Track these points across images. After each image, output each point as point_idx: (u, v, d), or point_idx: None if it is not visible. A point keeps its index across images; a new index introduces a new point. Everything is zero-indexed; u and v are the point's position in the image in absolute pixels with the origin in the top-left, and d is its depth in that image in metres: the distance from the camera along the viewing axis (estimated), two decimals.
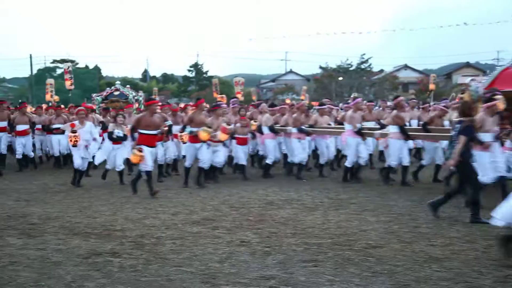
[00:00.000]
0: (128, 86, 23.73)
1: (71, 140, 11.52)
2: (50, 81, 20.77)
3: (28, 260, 5.92)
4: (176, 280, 5.25)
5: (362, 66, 55.31)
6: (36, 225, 7.74)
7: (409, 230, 7.24)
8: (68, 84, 20.25)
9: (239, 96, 20.28)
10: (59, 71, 57.13)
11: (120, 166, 12.15)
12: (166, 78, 79.32)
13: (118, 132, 11.92)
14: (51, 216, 8.36)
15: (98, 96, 20.27)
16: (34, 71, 38.34)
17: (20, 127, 14.97)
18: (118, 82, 21.25)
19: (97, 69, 67.14)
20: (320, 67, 58.25)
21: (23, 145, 14.90)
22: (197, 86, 65.09)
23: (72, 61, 61.20)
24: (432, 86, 25.01)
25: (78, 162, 11.66)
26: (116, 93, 20.05)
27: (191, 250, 6.31)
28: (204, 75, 67.18)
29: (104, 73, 72.68)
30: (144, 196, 10.11)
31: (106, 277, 5.32)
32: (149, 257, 6.01)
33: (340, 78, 52.21)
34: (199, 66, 68.45)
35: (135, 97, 19.89)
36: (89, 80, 47.23)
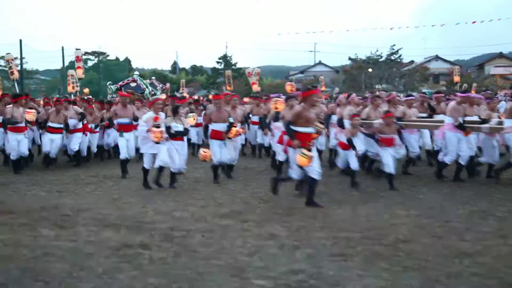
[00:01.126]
0: (153, 78, 23.67)
1: (156, 137, 9.93)
2: (71, 72, 19.85)
3: (61, 251, 6.02)
4: (205, 273, 5.28)
5: (392, 57, 54.60)
6: (68, 216, 7.87)
7: (440, 225, 7.15)
8: (80, 72, 19.59)
9: (255, 87, 19.92)
10: (90, 63, 57.82)
11: (182, 168, 10.62)
12: (195, 70, 79.60)
13: (176, 126, 10.26)
14: (83, 207, 8.48)
15: (113, 85, 19.52)
16: (66, 63, 38.75)
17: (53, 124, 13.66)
18: (136, 73, 20.45)
19: (127, 61, 67.71)
20: (349, 59, 57.71)
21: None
22: (225, 78, 65.19)
23: (103, 53, 61.98)
24: (456, 78, 24.52)
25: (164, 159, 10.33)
26: (133, 84, 19.23)
27: (220, 243, 6.34)
28: (233, 67, 67.15)
29: (134, 65, 73.31)
30: (173, 189, 10.18)
31: (136, 269, 5.38)
32: (178, 250, 6.05)
33: (370, 70, 51.63)
34: (228, 58, 68.43)
35: (152, 92, 18.95)
36: (119, 72, 47.71)
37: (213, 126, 11.05)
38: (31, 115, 12.68)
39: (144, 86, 18.95)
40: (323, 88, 28.29)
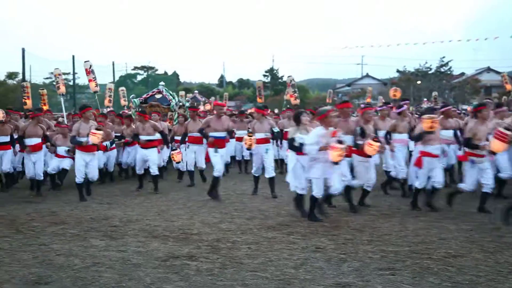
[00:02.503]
0: (196, 91, 23.68)
1: (339, 156, 7.89)
2: (110, 86, 19.93)
3: (110, 261, 6.14)
4: (251, 285, 5.29)
5: (442, 69, 53.73)
6: (117, 227, 8.03)
7: (492, 240, 6.95)
8: (92, 85, 18.97)
9: (291, 99, 19.45)
10: (139, 78, 59.03)
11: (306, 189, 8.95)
12: (242, 83, 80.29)
13: (300, 138, 8.46)
14: (132, 219, 8.63)
15: (136, 98, 18.05)
16: (116, 78, 39.84)
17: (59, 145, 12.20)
18: (162, 83, 18.68)
19: (175, 75, 68.84)
20: (398, 71, 57.13)
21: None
22: (272, 91, 65.40)
23: (151, 68, 63.19)
24: (508, 87, 23.85)
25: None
26: (158, 96, 17.75)
27: (266, 255, 6.34)
28: (280, 80, 67.36)
29: (182, 79, 74.56)
30: (219, 201, 10.26)
31: (183, 280, 5.44)
32: (225, 261, 6.08)
33: (419, 82, 50.92)
34: (275, 71, 68.77)
35: (179, 103, 17.52)
36: (167, 86, 48.46)
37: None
38: (95, 137, 10.39)
39: (171, 97, 17.71)
40: (368, 100, 27.92)
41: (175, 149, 12.39)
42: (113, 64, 37.97)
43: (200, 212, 9.16)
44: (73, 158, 11.53)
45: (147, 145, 11.91)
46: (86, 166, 10.79)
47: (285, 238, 7.18)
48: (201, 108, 22.95)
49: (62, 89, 19.50)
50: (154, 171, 11.82)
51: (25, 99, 20.07)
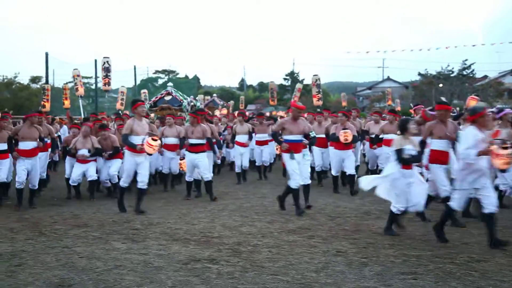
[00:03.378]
0: (214, 95, 23.58)
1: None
2: (122, 89, 20.13)
3: (132, 264, 6.18)
4: None
5: (464, 72, 53.14)
6: (139, 230, 8.08)
7: None
8: (80, 91, 19.10)
9: (314, 99, 19.17)
10: (160, 81, 59.47)
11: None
12: (263, 86, 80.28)
13: (410, 150, 7.55)
14: (153, 222, 8.68)
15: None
16: (138, 82, 40.24)
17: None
18: (170, 84, 17.82)
19: (196, 78, 69.16)
20: (419, 74, 56.69)
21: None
22: (293, 94, 65.31)
23: (172, 71, 63.67)
24: None
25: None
26: (168, 97, 16.71)
27: (287, 258, 6.33)
28: (300, 83, 67.27)
29: (203, 82, 74.87)
30: (239, 204, 10.28)
31: (205, 283, 5.45)
32: (245, 265, 6.09)
33: (441, 85, 50.43)
34: (295, 74, 68.67)
35: (191, 103, 15.75)
36: (188, 90, 48.73)
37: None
38: (151, 149, 9.52)
39: (181, 98, 16.59)
40: (389, 103, 27.68)
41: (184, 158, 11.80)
42: (134, 68, 38.36)
43: (220, 216, 9.18)
44: (95, 160, 11.41)
45: (196, 149, 11.04)
46: (138, 167, 9.75)
47: (306, 242, 7.17)
48: (217, 112, 22.75)
49: (81, 90, 19.49)
50: (208, 177, 11.02)
51: (44, 101, 20.09)
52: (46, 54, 28.85)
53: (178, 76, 64.89)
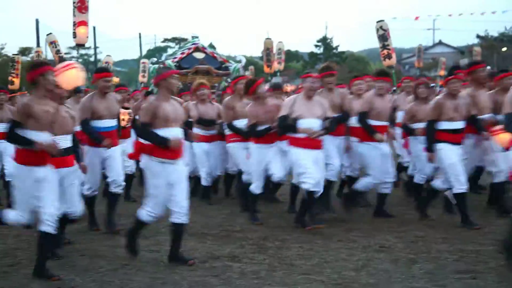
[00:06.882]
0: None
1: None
2: (144, 60, 20.10)
3: (141, 263, 6.25)
4: None
5: None
6: (148, 224, 8.11)
7: None
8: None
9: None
10: (170, 51, 59.58)
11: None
12: (290, 55, 79.81)
13: None
14: (164, 214, 8.71)
15: (156, 63, 15.68)
16: (144, 52, 40.43)
17: None
18: (195, 34, 15.64)
19: (211, 47, 69.04)
20: (478, 36, 55.85)
21: None
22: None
23: (184, 39, 63.63)
24: None
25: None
26: (199, 55, 14.05)
27: (321, 255, 6.35)
28: (334, 50, 66.72)
29: (220, 52, 74.51)
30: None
31: (225, 284, 5.49)
32: (273, 263, 6.12)
33: (504, 49, 49.59)
34: (328, 40, 68.11)
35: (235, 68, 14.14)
36: None
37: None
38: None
39: (223, 57, 14.43)
40: (442, 73, 27.31)
41: None
42: (139, 36, 38.52)
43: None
44: None
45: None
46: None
47: (343, 236, 7.17)
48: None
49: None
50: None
51: (13, 77, 19.67)
52: (37, 21, 29.11)
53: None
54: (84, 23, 15.02)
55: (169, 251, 6.33)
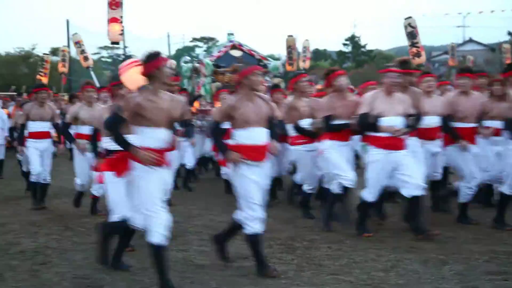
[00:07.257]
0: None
1: None
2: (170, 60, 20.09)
3: (170, 262, 6.25)
4: None
5: None
6: (178, 223, 8.10)
7: None
8: (89, 62, 19.07)
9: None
10: (198, 51, 59.81)
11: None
12: (318, 54, 79.57)
13: None
14: (193, 214, 8.78)
15: (190, 62, 14.95)
16: (172, 51, 40.68)
17: None
18: (230, 31, 15.02)
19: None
20: (509, 33, 55.05)
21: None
22: (354, 62, 64.59)
23: (212, 39, 63.90)
24: None
25: None
26: (236, 53, 13.79)
27: (349, 256, 6.33)
28: (363, 49, 66.42)
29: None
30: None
31: (254, 284, 5.51)
32: (301, 263, 6.12)
33: None
34: (356, 38, 67.78)
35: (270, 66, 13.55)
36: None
37: None
38: None
39: (261, 55, 13.70)
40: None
41: None
42: (168, 36, 38.71)
43: (272, 206, 9.18)
44: None
45: None
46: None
47: (373, 236, 7.13)
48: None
49: (90, 61, 19.29)
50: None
51: (41, 76, 19.78)
52: (67, 22, 29.39)
53: (218, 44, 65.15)
54: (116, 19, 15.06)
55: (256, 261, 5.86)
